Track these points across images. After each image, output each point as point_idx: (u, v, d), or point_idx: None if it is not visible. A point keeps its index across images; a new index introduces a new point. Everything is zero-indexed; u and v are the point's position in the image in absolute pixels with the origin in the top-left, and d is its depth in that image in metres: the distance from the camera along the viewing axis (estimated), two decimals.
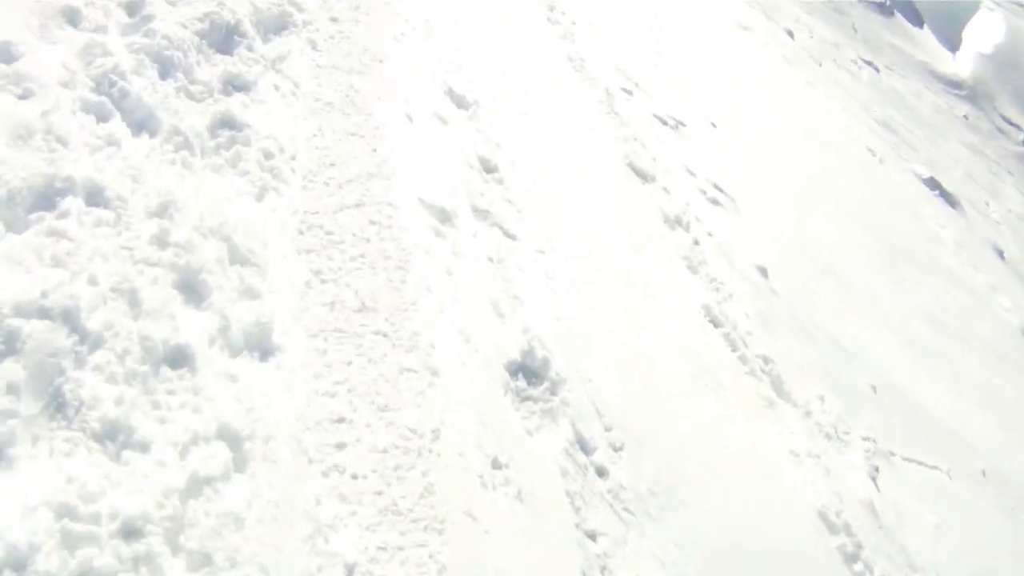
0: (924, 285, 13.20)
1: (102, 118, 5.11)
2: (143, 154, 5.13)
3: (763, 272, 9.38)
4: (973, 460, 9.08)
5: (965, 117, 22.26)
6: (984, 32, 25.63)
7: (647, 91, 12.23)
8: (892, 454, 7.96)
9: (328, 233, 5.37)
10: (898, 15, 24.97)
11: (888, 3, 25.00)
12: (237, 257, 4.70)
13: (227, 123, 5.84)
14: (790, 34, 19.55)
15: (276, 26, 7.40)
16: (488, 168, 7.38)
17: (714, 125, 13.11)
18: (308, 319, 4.68)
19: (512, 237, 6.52)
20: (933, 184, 17.38)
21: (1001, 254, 17.18)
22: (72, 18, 5.66)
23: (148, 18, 6.25)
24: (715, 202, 10.49)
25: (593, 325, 6.29)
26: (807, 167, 14.16)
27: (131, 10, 6.31)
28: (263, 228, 5.02)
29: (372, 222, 5.61)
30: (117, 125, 5.22)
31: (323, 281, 5.01)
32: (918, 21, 25.44)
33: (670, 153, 10.80)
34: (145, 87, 5.63)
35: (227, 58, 6.61)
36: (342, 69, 7.43)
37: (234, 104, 6.06)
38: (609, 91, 11.07)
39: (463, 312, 5.36)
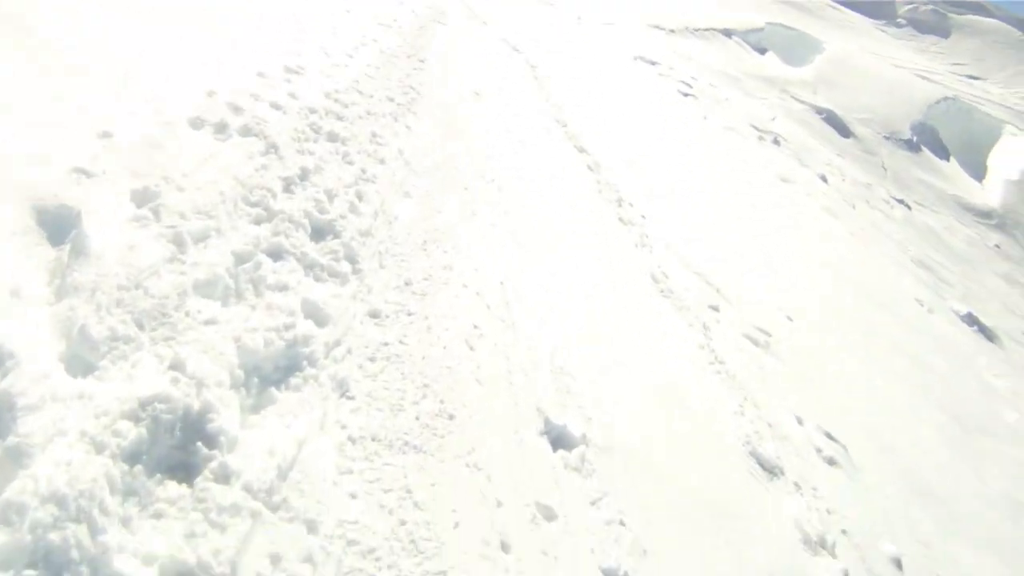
0: (1000, 463, 9.81)
1: None
2: None
3: (898, 564, 5.91)
4: None
5: (997, 246, 18.53)
6: (1008, 158, 21.91)
7: (728, 297, 8.53)
8: None
9: None
10: (925, 150, 21.33)
11: (915, 139, 21.31)
12: None
13: None
14: (824, 179, 16.05)
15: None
16: None
17: (790, 319, 9.43)
18: None
19: None
20: (971, 320, 14.09)
21: None
22: None
23: None
24: (832, 462, 6.79)
25: None
26: (878, 346, 10.71)
27: None
28: None
29: None
30: None
31: None
32: (944, 154, 21.80)
33: (777, 397, 7.08)
34: None
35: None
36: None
37: None
38: (706, 324, 7.28)
39: None
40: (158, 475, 2.82)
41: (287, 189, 4.89)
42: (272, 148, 5.12)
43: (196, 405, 3.02)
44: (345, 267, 4.60)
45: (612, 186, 9.26)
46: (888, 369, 10.05)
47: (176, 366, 3.12)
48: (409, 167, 6.43)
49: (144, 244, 3.59)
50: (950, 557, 6.61)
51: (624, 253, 8.00)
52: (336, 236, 4.80)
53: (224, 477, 2.89)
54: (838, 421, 7.53)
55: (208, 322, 3.47)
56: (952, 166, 21.49)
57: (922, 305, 13.21)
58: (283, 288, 4.04)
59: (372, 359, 4.14)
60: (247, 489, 2.91)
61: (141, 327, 3.24)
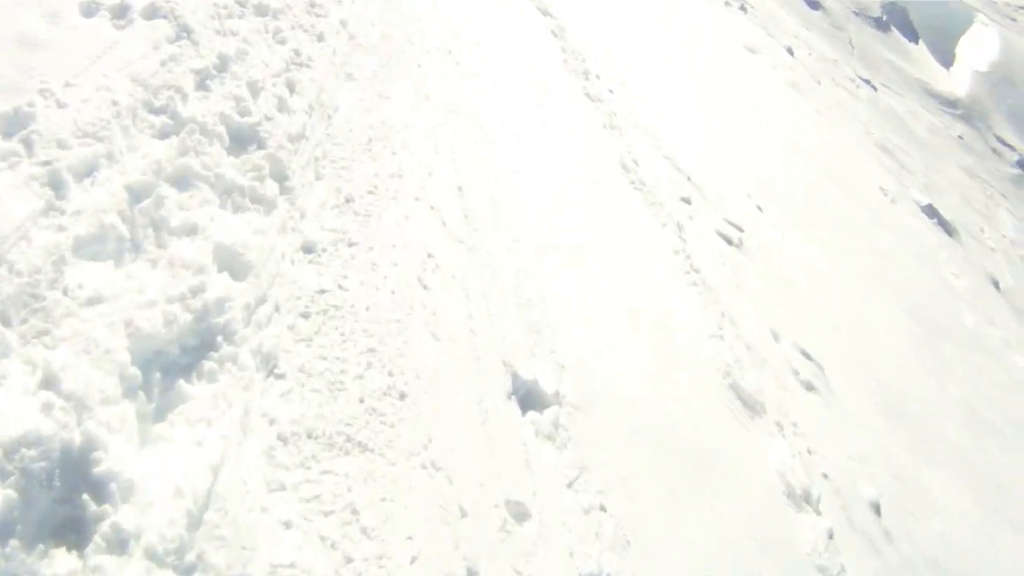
0: (960, 370, 9.49)
1: None
2: None
3: (877, 509, 5.59)
4: None
5: (960, 138, 17.96)
6: (978, 48, 21.11)
7: (698, 185, 7.93)
8: None
9: None
10: (894, 30, 20.38)
11: (884, 18, 20.33)
12: None
13: None
14: (790, 51, 15.38)
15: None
16: None
17: (760, 208, 8.86)
18: None
19: None
20: (931, 212, 13.57)
21: (997, 284, 13.44)
22: None
23: None
24: (810, 387, 6.34)
25: None
26: (845, 239, 10.23)
27: None
28: None
29: None
30: None
31: None
32: (913, 36, 20.85)
33: (752, 308, 6.62)
34: None
35: None
36: None
37: None
38: (680, 224, 6.72)
39: None
40: (40, 546, 2.15)
41: (201, 86, 4.01)
42: (184, 32, 4.18)
43: (77, 440, 2.32)
44: (271, 188, 3.81)
45: (578, 55, 8.38)
46: (855, 266, 9.61)
47: (49, 382, 2.38)
48: (353, 41, 5.51)
49: (9, 196, 2.77)
50: (921, 488, 6.33)
51: (592, 137, 7.25)
52: (260, 146, 3.98)
53: (119, 543, 2.23)
54: (812, 333, 7.10)
55: (92, 301, 2.71)
56: (920, 49, 20.65)
57: (886, 194, 12.68)
58: (191, 231, 3.26)
59: (306, 315, 3.43)
60: (150, 555, 2.26)
61: (6, 322, 2.48)
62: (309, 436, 2.99)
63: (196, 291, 3.00)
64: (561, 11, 9.22)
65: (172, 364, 2.83)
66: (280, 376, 3.13)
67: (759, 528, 4.51)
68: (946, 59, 20.57)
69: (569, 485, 3.75)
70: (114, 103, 3.41)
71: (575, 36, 8.77)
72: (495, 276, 4.56)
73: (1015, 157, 18.61)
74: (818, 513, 5.01)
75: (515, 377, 4.04)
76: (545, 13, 8.97)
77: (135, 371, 2.64)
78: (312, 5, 5.44)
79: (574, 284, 5.09)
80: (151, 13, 4.18)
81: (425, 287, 4.06)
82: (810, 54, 16.07)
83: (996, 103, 19.63)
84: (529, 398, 4.05)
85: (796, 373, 6.40)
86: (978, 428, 8.50)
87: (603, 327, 4.95)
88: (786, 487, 4.98)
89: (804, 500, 5.01)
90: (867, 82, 17.02)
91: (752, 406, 5.50)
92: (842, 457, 5.77)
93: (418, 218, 4.51)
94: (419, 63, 5.96)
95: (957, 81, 20.09)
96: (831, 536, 4.89)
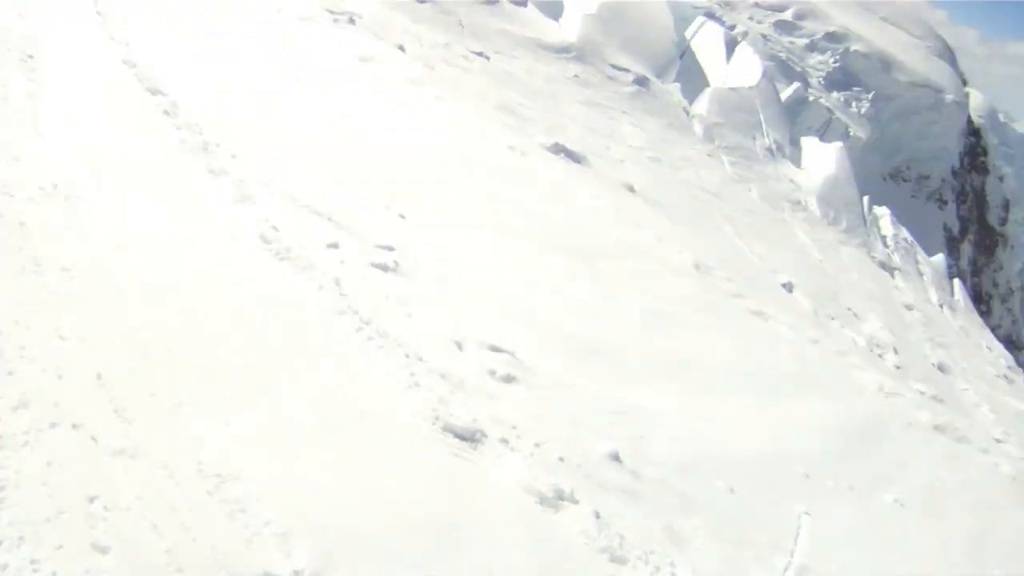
0: (628, 283, 9.45)
1: None
2: None
3: (617, 457, 5.52)
4: None
5: (576, 76, 19.04)
6: None
7: (340, 222, 7.46)
8: None
9: None
10: (503, 1, 21.07)
11: None
12: None
13: None
14: (402, 48, 15.38)
15: None
16: None
17: (403, 216, 8.36)
18: None
19: None
20: (558, 149, 14.11)
21: (631, 188, 14.10)
22: None
23: None
24: (510, 379, 5.99)
25: None
26: (492, 209, 9.88)
27: None
28: None
29: None
30: None
31: None
32: (523, 2, 21.70)
33: (431, 333, 6.17)
34: None
35: None
36: None
37: None
38: (338, 279, 6.39)
39: None
40: None
41: None
42: None
43: None
44: None
45: (195, 127, 7.67)
46: (510, 231, 9.38)
47: None
48: None
49: None
50: (636, 406, 6.32)
51: (221, 218, 6.59)
52: None
53: None
54: (492, 320, 6.84)
55: None
56: (530, 11, 21.76)
57: (514, 150, 12.85)
58: None
59: None
60: None
61: None
62: None
63: None
64: (175, 84, 8.37)
65: None
66: None
67: (532, 553, 4.29)
68: (556, 13, 21.80)
69: None
70: None
71: (191, 110, 7.99)
72: (177, 479, 3.89)
73: (630, 77, 20.06)
74: (575, 502, 4.78)
75: None
76: (155, 92, 8.06)
77: None
78: None
79: (267, 435, 4.45)
80: None
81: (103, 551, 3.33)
82: (421, 45, 16.29)
83: (609, 37, 21.26)
84: None
85: (493, 373, 5.97)
86: (656, 321, 8.42)
87: (307, 463, 4.37)
88: (539, 497, 4.71)
89: (559, 499, 4.76)
90: (480, 54, 17.58)
91: (472, 437, 5.16)
92: (564, 426, 5.58)
93: (64, 451, 3.71)
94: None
95: (567, 29, 21.47)
96: (598, 516, 4.70)
